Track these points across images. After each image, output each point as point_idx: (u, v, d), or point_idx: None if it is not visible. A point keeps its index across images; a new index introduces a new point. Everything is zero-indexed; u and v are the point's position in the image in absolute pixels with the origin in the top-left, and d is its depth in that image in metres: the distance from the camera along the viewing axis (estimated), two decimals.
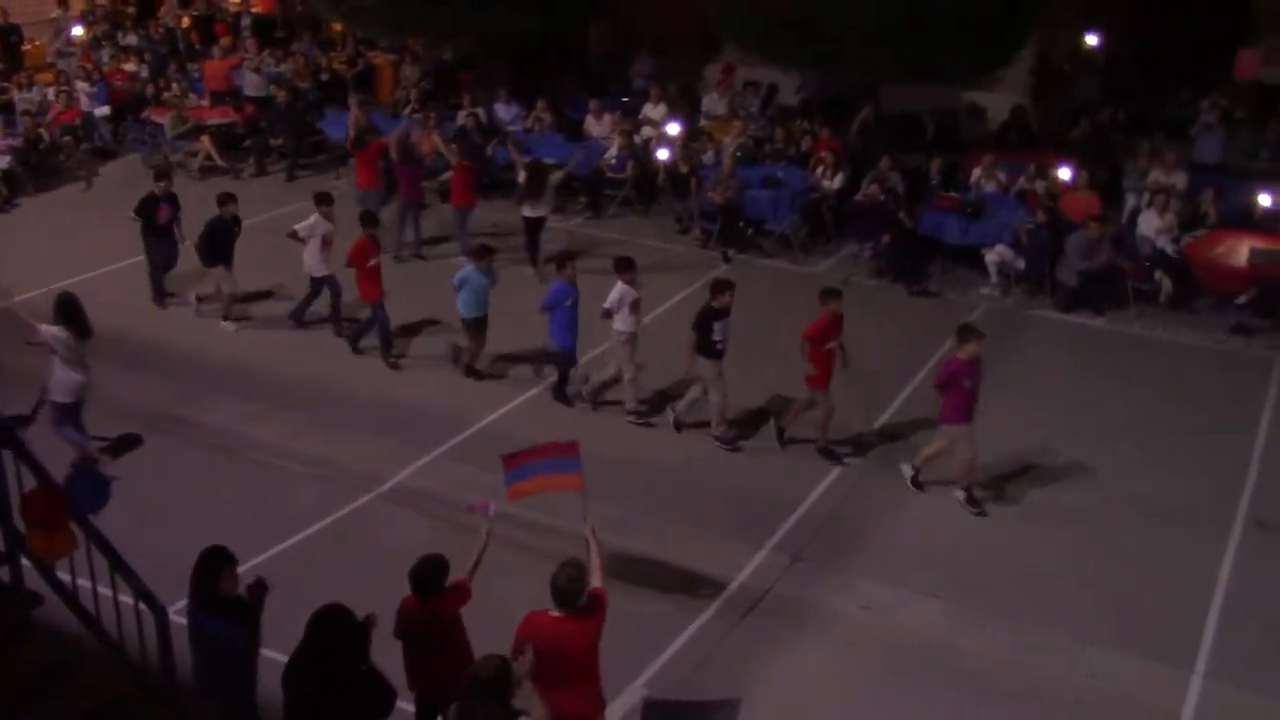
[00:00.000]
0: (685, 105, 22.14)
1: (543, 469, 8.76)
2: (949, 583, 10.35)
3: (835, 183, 18.47)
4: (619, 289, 12.72)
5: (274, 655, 7.31)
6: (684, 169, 18.81)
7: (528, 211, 16.83)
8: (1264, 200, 17.22)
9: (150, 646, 7.00)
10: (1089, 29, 23.50)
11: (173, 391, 13.29)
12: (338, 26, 26.13)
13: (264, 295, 15.82)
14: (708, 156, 19.50)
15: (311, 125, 21.88)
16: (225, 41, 24.41)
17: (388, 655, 7.24)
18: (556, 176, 17.12)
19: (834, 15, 17.72)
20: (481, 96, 21.61)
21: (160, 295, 15.72)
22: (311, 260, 14.64)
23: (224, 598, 7.10)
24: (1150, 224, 16.65)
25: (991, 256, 16.78)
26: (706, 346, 12.22)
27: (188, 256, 15.46)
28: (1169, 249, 16.37)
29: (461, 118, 20.10)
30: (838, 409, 12.24)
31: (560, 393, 13.41)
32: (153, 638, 6.92)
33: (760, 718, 8.81)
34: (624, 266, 12.93)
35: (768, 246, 18.20)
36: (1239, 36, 22.11)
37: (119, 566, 6.85)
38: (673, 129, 20.03)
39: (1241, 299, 15.68)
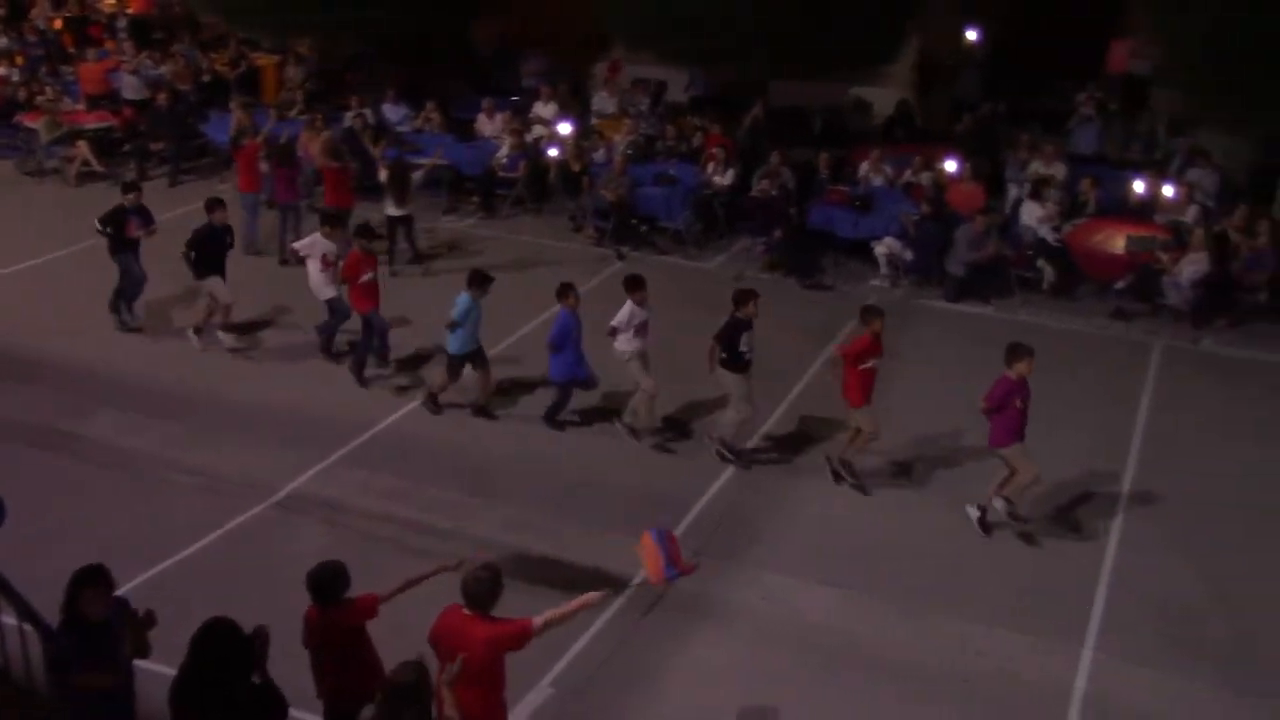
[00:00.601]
0: (576, 104, 22.13)
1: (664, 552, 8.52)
2: (846, 571, 10.49)
3: (726, 179, 18.62)
4: (628, 308, 12.23)
5: (163, 670, 7.11)
6: (576, 167, 18.79)
7: (391, 210, 16.71)
8: (1138, 188, 17.80)
9: (37, 670, 6.77)
10: (969, 24, 24.06)
11: (54, 404, 12.86)
12: (218, 27, 25.57)
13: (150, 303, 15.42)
14: (599, 155, 19.52)
15: (194, 128, 21.38)
16: (110, 45, 23.72)
17: (299, 662, 7.11)
18: (418, 176, 16.92)
19: (721, 13, 17.88)
20: (369, 97, 21.32)
21: (126, 316, 14.84)
22: (315, 282, 13.91)
23: (88, 620, 6.75)
24: (1032, 214, 17.09)
25: (881, 249, 17.06)
26: (734, 359, 11.80)
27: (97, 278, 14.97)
28: (1050, 238, 16.82)
29: (348, 119, 19.83)
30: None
31: (553, 418, 12.79)
32: (39, 660, 6.69)
33: (665, 711, 8.84)
34: (634, 286, 12.34)
35: (661, 243, 18.28)
36: (1112, 29, 22.84)
37: (2, 587, 6.61)
38: (564, 128, 20.00)
39: (1120, 285, 16.19)
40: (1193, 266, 15.53)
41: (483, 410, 12.96)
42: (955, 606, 10.05)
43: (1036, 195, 17.27)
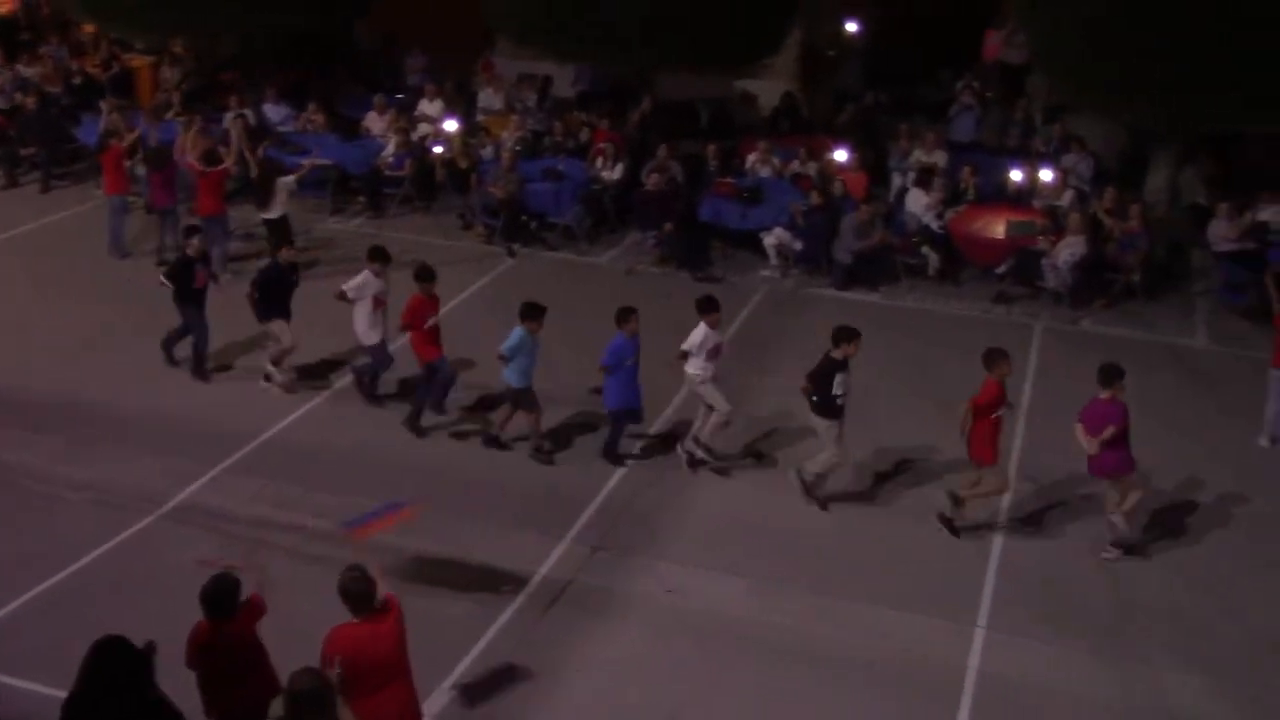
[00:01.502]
0: (461, 101, 21.94)
1: (375, 514, 9.23)
2: (747, 560, 10.59)
3: (615, 173, 18.65)
4: (701, 331, 11.67)
5: (54, 693, 6.90)
6: (463, 165, 18.65)
7: (264, 214, 16.35)
8: (1016, 175, 18.26)
9: None
10: (849, 16, 24.43)
11: None
12: (89, 28, 24.77)
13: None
14: (487, 152, 19.37)
15: (65, 132, 20.71)
16: None
17: (182, 683, 6.94)
18: (288, 180, 16.46)
19: (604, 7, 17.89)
20: (249, 97, 20.88)
21: (204, 367, 13.73)
22: (361, 325, 12.84)
23: None
24: (919, 201, 17.43)
25: (770, 239, 17.23)
26: (825, 402, 11.03)
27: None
28: (934, 225, 17.17)
29: (228, 120, 19.39)
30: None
31: (612, 452, 12.17)
32: None
33: (570, 708, 8.83)
34: (708, 308, 11.72)
35: (552, 239, 18.24)
36: (988, 19, 23.41)
37: None
38: (450, 125, 19.82)
39: (1001, 269, 16.59)
40: (1070, 249, 15.97)
41: (495, 440, 12.39)
42: (856, 592, 10.21)
43: (923, 183, 17.62)
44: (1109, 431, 10.25)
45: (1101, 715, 8.90)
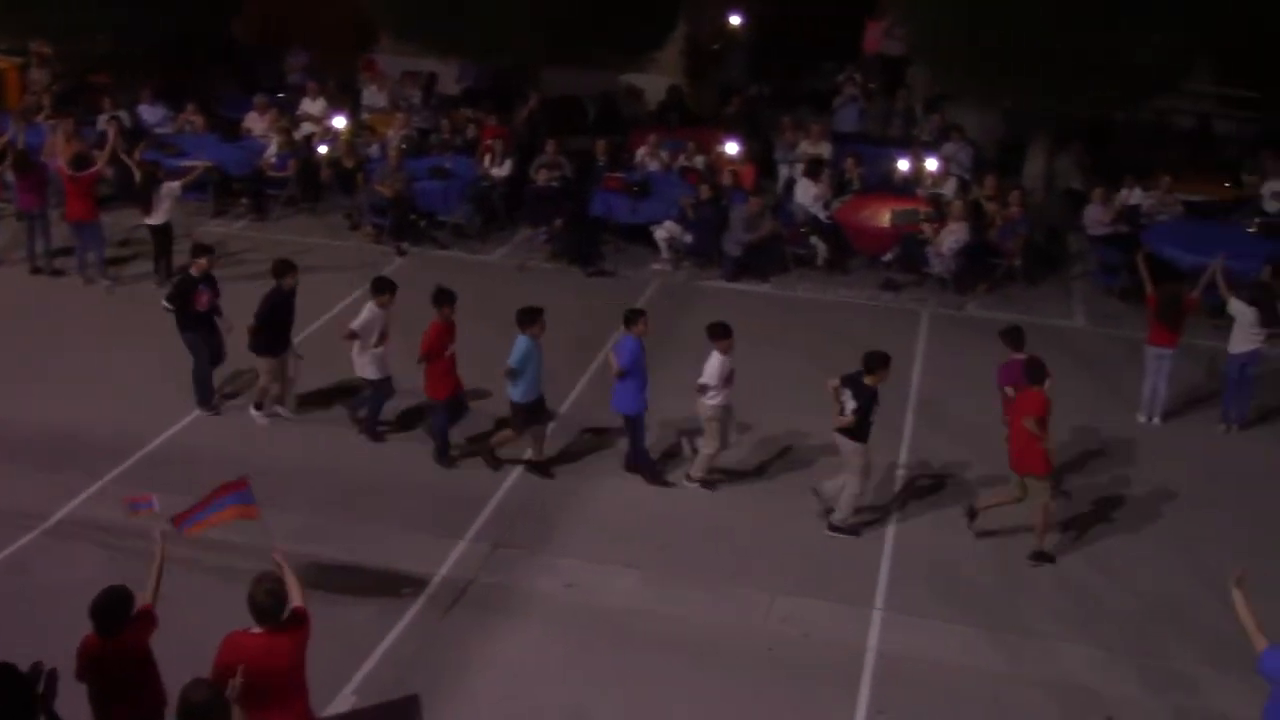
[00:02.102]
0: (345, 99, 21.60)
1: (214, 509, 8.80)
2: (646, 553, 10.64)
3: (504, 170, 18.55)
4: (718, 361, 11.11)
5: None
6: (349, 164, 18.37)
7: (147, 220, 15.85)
8: (902, 165, 18.62)
9: None
10: (732, 9, 24.63)
11: None
12: None
13: None
14: (373, 150, 19.13)
15: None
16: None
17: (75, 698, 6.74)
18: (173, 186, 16.01)
19: (488, 2, 17.78)
20: (123, 99, 20.30)
21: (209, 398, 12.86)
22: (365, 361, 12.00)
23: None
24: (807, 192, 17.65)
25: (661, 233, 17.31)
26: (860, 427, 10.72)
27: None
28: (822, 215, 17.41)
29: (102, 122, 18.84)
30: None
31: (649, 468, 11.78)
32: None
33: (474, 708, 8.78)
34: (720, 334, 11.19)
35: (442, 237, 18.07)
36: (870, 11, 23.81)
37: None
38: (339, 122, 19.52)
39: (887, 257, 16.90)
40: (953, 236, 16.33)
41: (540, 467, 11.87)
42: (754, 580, 10.32)
43: (812, 174, 17.85)
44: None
45: (997, 687, 9.13)
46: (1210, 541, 10.97)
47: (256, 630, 6.72)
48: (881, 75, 23.62)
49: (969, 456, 12.22)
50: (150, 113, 20.46)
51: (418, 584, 10.08)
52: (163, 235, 15.88)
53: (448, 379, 11.72)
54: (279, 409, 12.74)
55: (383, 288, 11.98)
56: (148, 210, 15.73)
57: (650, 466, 11.81)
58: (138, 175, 16.28)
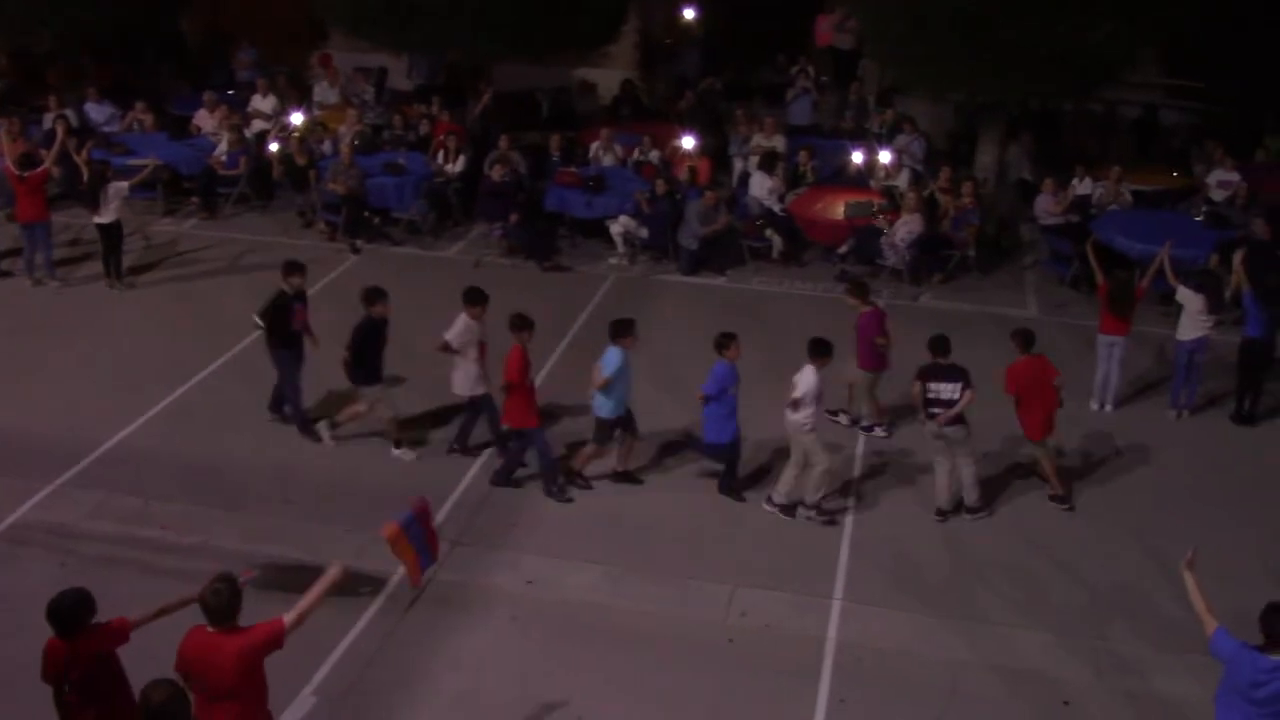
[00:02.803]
0: (295, 95, 21.43)
1: (417, 542, 9.55)
2: (605, 548, 10.65)
3: (458, 165, 18.47)
4: (811, 376, 10.79)
5: None
6: (301, 161, 18.23)
7: (96, 219, 15.60)
8: (855, 158, 18.72)
9: None
10: (686, 3, 24.67)
11: None
12: None
13: None
14: (325, 147, 18.99)
15: None
16: None
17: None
18: (121, 186, 15.76)
19: None
20: (69, 97, 20.02)
21: (308, 425, 12.29)
22: (463, 377, 11.60)
23: None
24: (762, 185, 17.72)
25: (616, 227, 17.31)
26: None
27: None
28: (776, 208, 17.48)
29: (49, 121, 18.58)
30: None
31: (729, 486, 11.47)
32: None
33: (436, 706, 8.75)
34: (820, 352, 10.88)
35: (396, 234, 17.98)
36: (820, 4, 23.93)
37: None
38: (296, 118, 19.35)
39: (842, 249, 16.99)
40: (907, 228, 16.44)
41: (627, 475, 11.68)
42: (714, 573, 10.35)
43: (766, 167, 17.92)
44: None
45: (956, 675, 9.21)
46: (1160, 527, 11.13)
47: (209, 629, 6.67)
48: (833, 68, 23.75)
49: (925, 446, 12.29)
50: (97, 111, 20.20)
51: (377, 583, 10.03)
52: (112, 234, 15.67)
53: (533, 406, 11.23)
54: (321, 429, 12.19)
55: (475, 298, 11.50)
56: (95, 209, 15.51)
57: (736, 493, 11.47)
58: (85, 174, 16.06)
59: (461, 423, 12.11)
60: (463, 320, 11.47)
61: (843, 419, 12.85)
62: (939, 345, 11.07)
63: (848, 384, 12.62)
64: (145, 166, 16.80)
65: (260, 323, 12.11)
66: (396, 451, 11.98)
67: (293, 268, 12.07)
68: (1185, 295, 12.99)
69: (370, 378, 11.70)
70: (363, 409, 11.91)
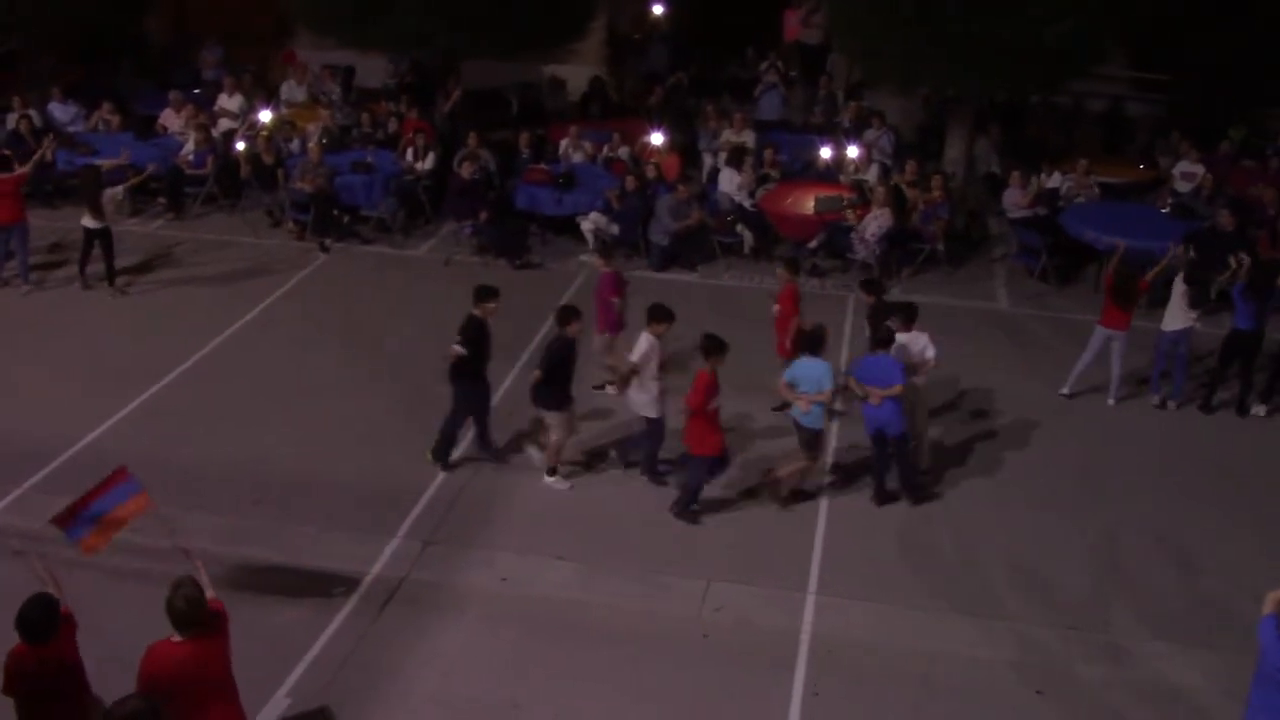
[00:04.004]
0: (263, 94, 21.28)
1: (105, 507, 8.21)
2: (577, 544, 10.62)
3: (427, 163, 18.40)
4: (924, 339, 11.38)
5: None
6: (268, 160, 18.11)
7: (86, 222, 15.38)
8: (824, 153, 18.77)
9: None
10: None
11: None
12: None
13: None
14: (293, 145, 18.88)
15: None
16: None
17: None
18: (116, 190, 15.53)
19: None
20: (32, 96, 19.82)
21: (446, 456, 11.73)
22: (644, 397, 11.18)
23: None
24: (731, 181, 17.73)
25: (587, 224, 17.28)
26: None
27: None
28: (746, 203, 17.51)
29: (13, 121, 18.39)
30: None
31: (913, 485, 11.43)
32: None
33: (410, 706, 8.72)
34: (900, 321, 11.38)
35: (366, 232, 17.89)
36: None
37: None
38: (265, 116, 19.23)
39: (813, 244, 17.02)
40: (876, 222, 16.49)
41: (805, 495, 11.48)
42: (687, 568, 10.35)
43: (736, 163, 17.94)
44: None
45: (929, 665, 9.25)
46: (1131, 516, 11.22)
47: (178, 638, 6.59)
48: (802, 63, 23.81)
49: None
50: (62, 111, 20.00)
51: (350, 583, 9.98)
52: (104, 239, 15.46)
53: (715, 433, 10.81)
54: (531, 450, 11.83)
55: (660, 315, 11.19)
56: (95, 214, 15.28)
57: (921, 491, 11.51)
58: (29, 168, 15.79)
59: (642, 443, 11.63)
60: (646, 339, 11.10)
61: (610, 390, 12.97)
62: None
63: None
64: (129, 167, 16.62)
65: (463, 349, 11.23)
66: (550, 479, 11.51)
67: (486, 294, 11.33)
68: (1175, 285, 13.06)
69: (562, 401, 11.25)
70: (561, 435, 11.40)
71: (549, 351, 11.08)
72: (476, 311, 11.23)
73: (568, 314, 11.19)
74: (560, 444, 11.44)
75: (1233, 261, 13.81)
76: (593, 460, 11.96)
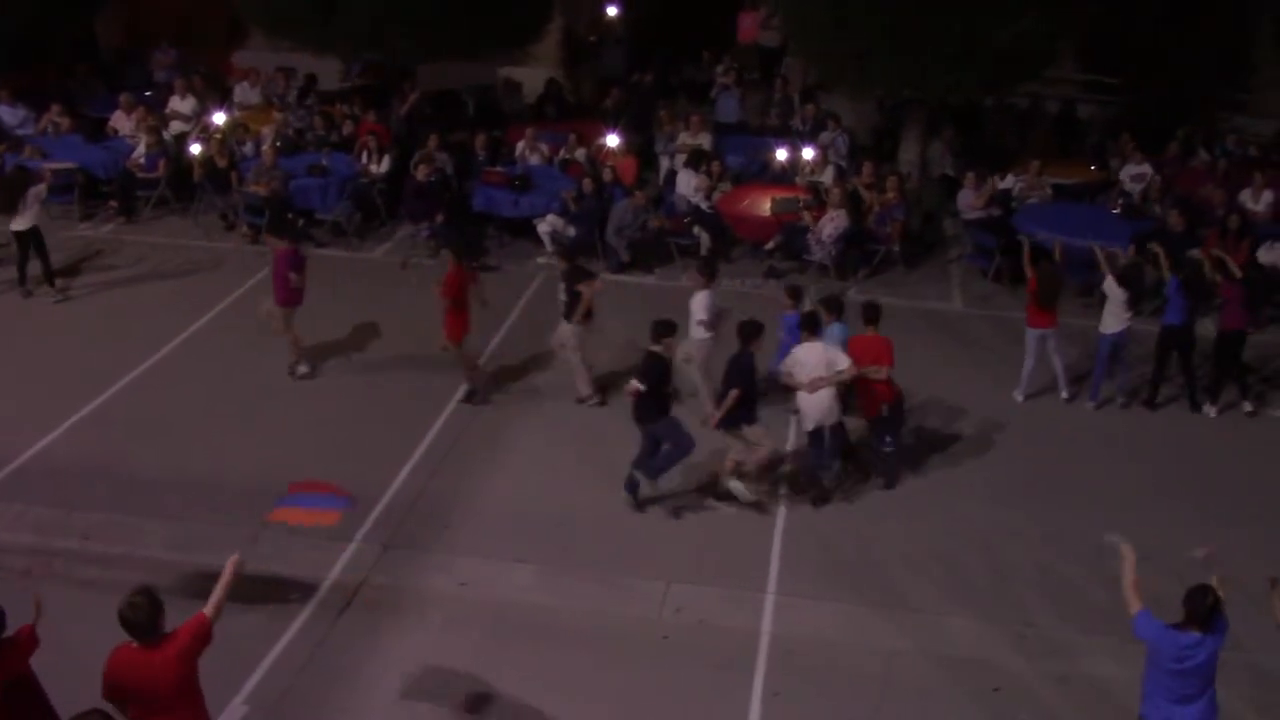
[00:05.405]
0: (216, 96, 21.05)
1: (311, 502, 9.43)
2: (536, 547, 10.61)
3: (383, 166, 18.30)
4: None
5: None
6: (222, 163, 17.94)
7: (14, 225, 15.09)
8: (780, 154, 18.84)
9: None
10: (609, 1, 24.69)
11: None
12: None
13: None
14: (247, 148, 18.71)
15: None
16: None
17: None
18: (39, 189, 15.33)
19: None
20: None
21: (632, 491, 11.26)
22: (818, 404, 11.07)
23: None
24: (689, 183, 17.76)
25: (543, 227, 17.24)
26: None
27: None
28: (704, 205, 17.54)
29: None
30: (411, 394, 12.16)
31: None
32: None
33: (370, 711, 8.67)
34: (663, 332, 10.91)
35: (320, 236, 17.75)
36: (743, 1, 24.08)
37: None
38: (219, 118, 19.04)
39: (770, 245, 17.09)
40: (832, 224, 16.57)
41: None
42: (647, 570, 10.36)
43: (693, 165, 17.96)
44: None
45: (889, 663, 9.32)
46: (1081, 514, 11.33)
47: (135, 645, 6.54)
48: (759, 65, 23.88)
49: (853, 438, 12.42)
50: (10, 114, 19.71)
51: (307, 589, 9.91)
52: (33, 240, 15.21)
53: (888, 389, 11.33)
54: (733, 484, 11.29)
55: (830, 306, 11.92)
56: (13, 214, 15.06)
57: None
58: None
59: (830, 448, 11.48)
60: (816, 342, 11.25)
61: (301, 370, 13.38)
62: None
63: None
64: (73, 170, 16.46)
65: (642, 386, 10.79)
66: (734, 483, 11.20)
67: (667, 329, 10.97)
68: (1110, 287, 13.22)
69: (749, 417, 11.08)
70: (765, 452, 11.29)
71: (733, 368, 10.85)
72: (657, 348, 10.83)
73: (754, 330, 11.01)
74: (770, 455, 11.34)
75: (1154, 248, 14.04)
76: (555, 462, 11.94)
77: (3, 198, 15.17)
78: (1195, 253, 14.67)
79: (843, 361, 11.07)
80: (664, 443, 10.98)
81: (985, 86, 17.83)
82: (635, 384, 10.76)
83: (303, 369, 13.37)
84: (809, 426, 11.27)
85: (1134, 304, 13.33)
